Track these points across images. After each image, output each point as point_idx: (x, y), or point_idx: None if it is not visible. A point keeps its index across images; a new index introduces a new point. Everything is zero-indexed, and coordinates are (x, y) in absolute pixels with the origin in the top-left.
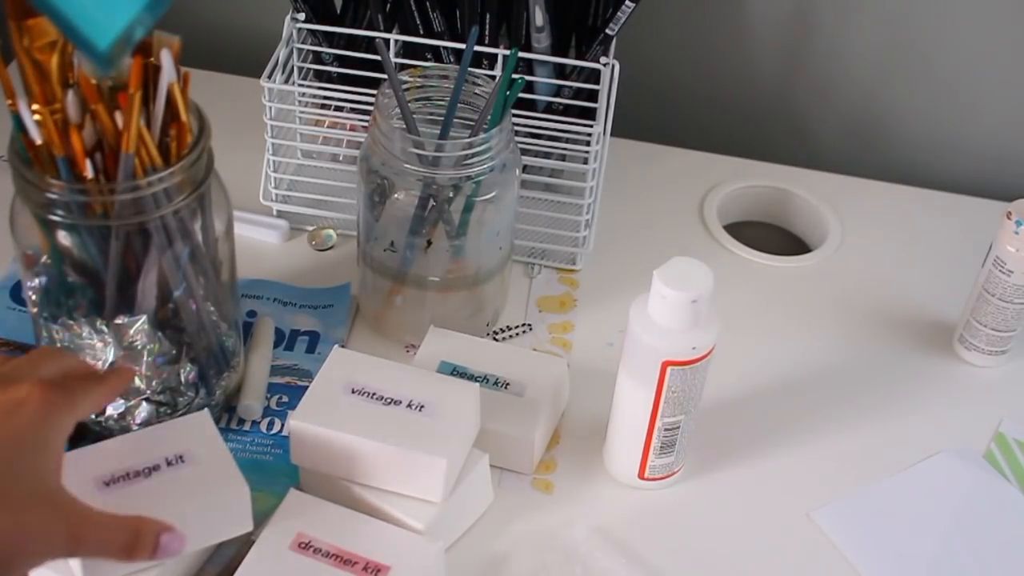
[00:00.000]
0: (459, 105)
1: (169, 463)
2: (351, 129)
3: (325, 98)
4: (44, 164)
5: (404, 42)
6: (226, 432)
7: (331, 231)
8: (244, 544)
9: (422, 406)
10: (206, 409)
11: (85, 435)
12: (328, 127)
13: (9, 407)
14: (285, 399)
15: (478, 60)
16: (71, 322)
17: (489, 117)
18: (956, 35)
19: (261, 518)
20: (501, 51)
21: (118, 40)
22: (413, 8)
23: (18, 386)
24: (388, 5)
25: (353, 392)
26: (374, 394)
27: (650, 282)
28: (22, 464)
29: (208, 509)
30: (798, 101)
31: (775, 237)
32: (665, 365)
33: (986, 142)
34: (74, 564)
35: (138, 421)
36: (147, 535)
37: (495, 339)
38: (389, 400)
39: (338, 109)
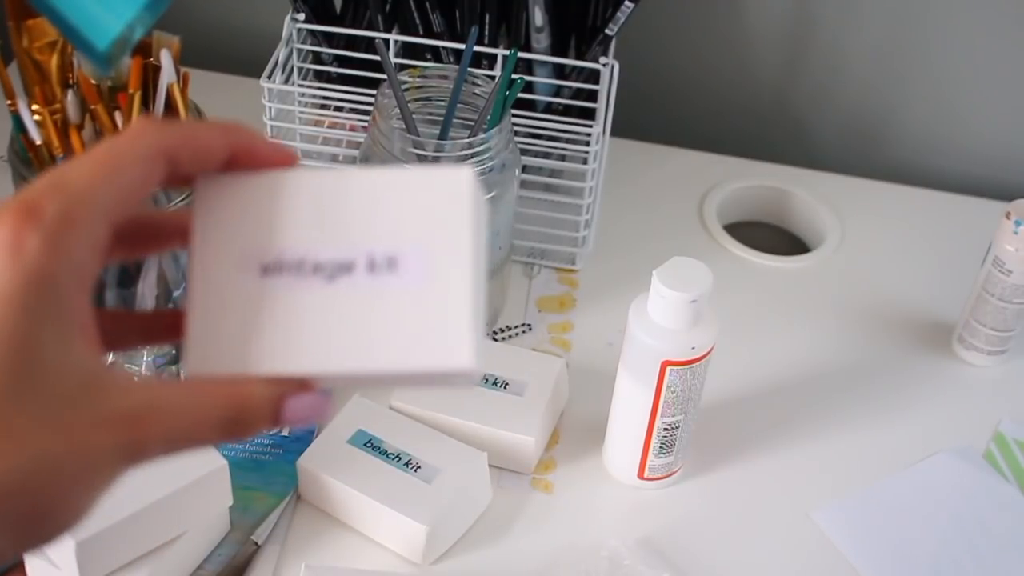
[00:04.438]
0: (459, 105)
1: (373, 265)
2: (351, 129)
3: (325, 98)
4: (44, 164)
5: (404, 42)
6: None
7: None
8: (244, 544)
9: (419, 467)
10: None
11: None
12: (328, 127)
13: None
14: None
15: (478, 60)
16: None
17: (489, 117)
18: (956, 35)
19: (260, 518)
20: (501, 51)
21: (117, 40)
22: (413, 8)
23: None
24: (388, 5)
25: (365, 445)
26: (380, 447)
27: (649, 282)
28: (15, 366)
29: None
30: (797, 101)
31: (774, 237)
32: (664, 365)
33: (985, 142)
34: (67, 558)
35: None
36: (259, 403)
37: (495, 339)
38: (395, 455)
39: (338, 109)
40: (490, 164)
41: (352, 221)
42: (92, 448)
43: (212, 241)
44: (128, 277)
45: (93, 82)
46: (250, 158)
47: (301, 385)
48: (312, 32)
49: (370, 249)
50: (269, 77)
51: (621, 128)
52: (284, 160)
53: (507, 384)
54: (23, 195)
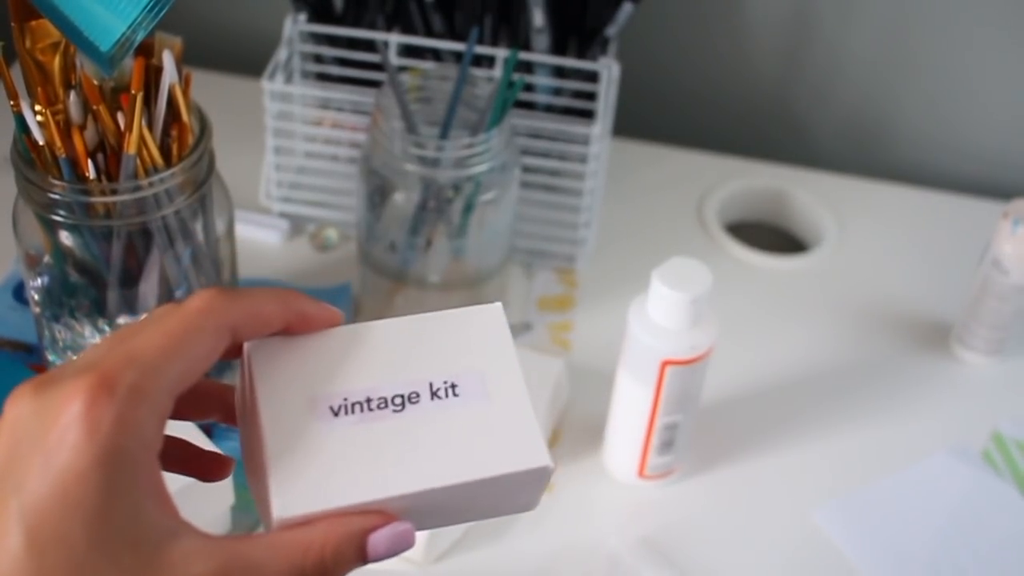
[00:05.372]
0: (459, 106)
1: (435, 393)
2: (352, 130)
3: (325, 99)
4: (46, 165)
5: (405, 44)
6: (226, 431)
7: (332, 231)
8: None
9: None
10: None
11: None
12: (329, 127)
13: (48, 448)
14: None
15: (478, 61)
16: (73, 322)
17: (489, 117)
18: (954, 35)
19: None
20: (501, 52)
21: (120, 42)
22: (414, 10)
23: (56, 390)
24: (388, 6)
25: None
26: None
27: (649, 282)
28: (92, 540)
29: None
30: (797, 101)
31: (774, 237)
32: (664, 364)
33: (983, 142)
34: None
35: None
36: (343, 544)
37: None
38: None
39: (339, 110)
40: (490, 164)
41: (406, 360)
42: None
43: (277, 395)
44: (130, 278)
45: (95, 83)
46: (303, 323)
47: (382, 518)
48: (313, 33)
49: (430, 379)
50: (270, 78)
51: (621, 128)
52: (333, 320)
53: None
54: (95, 362)
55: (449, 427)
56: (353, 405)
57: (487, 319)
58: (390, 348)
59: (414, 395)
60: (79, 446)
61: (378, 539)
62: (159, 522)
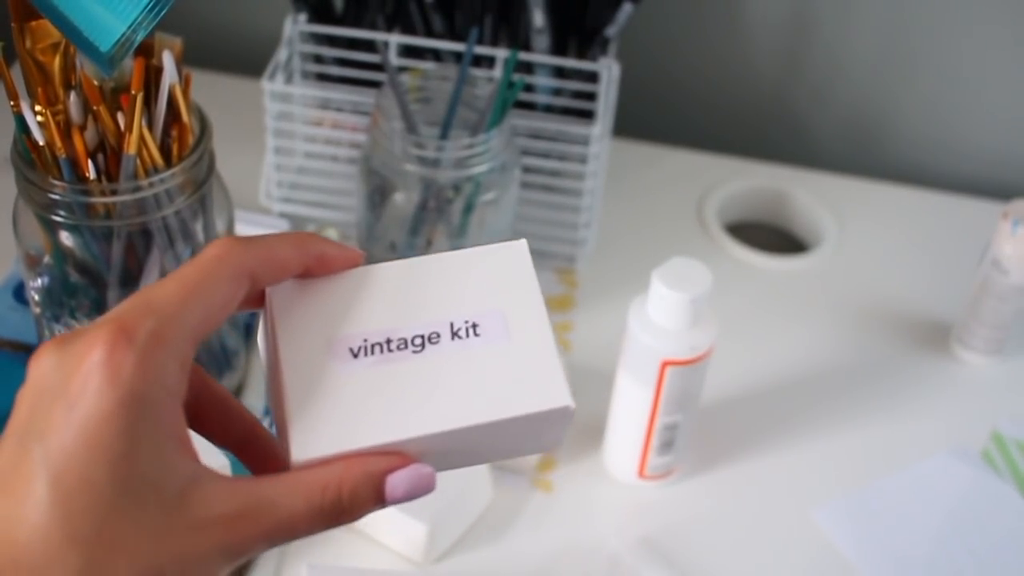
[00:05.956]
0: (459, 106)
1: (456, 333)
2: (352, 130)
3: (326, 99)
4: (47, 165)
5: (405, 44)
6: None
7: (332, 231)
8: None
9: None
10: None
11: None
12: (329, 127)
13: (70, 395)
14: None
15: (478, 61)
16: (74, 322)
17: (489, 118)
18: (954, 36)
19: None
20: (501, 52)
21: (120, 42)
22: (414, 10)
23: (77, 342)
24: (388, 6)
25: None
26: None
27: (649, 282)
28: (117, 483)
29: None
30: (796, 102)
31: (773, 237)
32: (664, 365)
33: (983, 143)
34: None
35: None
36: (360, 484)
37: None
38: None
39: (339, 110)
40: (490, 164)
41: (427, 300)
42: (193, 554)
43: (296, 338)
44: (130, 278)
45: (95, 83)
46: (322, 265)
47: (401, 459)
48: (313, 33)
49: (451, 319)
50: (270, 78)
51: (621, 128)
52: (354, 261)
53: None
54: (115, 315)
55: (469, 368)
56: (373, 346)
57: (511, 257)
58: (410, 288)
59: (434, 335)
60: (101, 391)
61: (397, 480)
62: (181, 465)
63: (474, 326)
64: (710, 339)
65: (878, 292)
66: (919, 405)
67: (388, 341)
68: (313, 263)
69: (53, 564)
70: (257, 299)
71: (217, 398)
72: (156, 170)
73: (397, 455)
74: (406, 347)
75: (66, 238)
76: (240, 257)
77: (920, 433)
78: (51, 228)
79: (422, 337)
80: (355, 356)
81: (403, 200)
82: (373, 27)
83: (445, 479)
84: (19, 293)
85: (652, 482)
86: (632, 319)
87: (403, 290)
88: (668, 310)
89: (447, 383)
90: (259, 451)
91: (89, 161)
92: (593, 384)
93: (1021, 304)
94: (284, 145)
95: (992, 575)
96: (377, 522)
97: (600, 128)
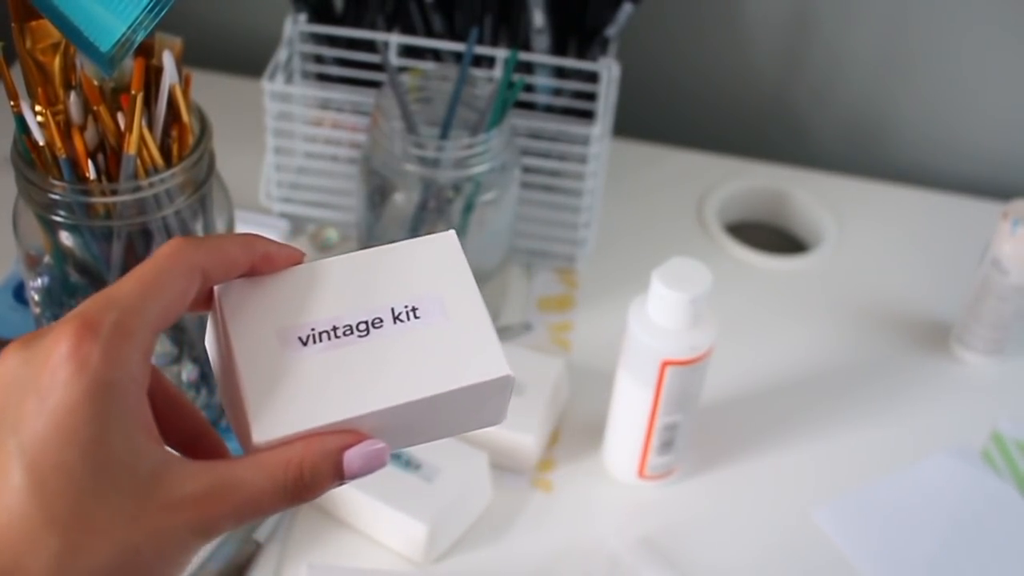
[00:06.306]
0: (459, 106)
1: (397, 317)
2: (352, 130)
3: (326, 99)
4: (47, 165)
5: (405, 44)
6: (226, 431)
7: (332, 231)
8: (246, 543)
9: (419, 466)
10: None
11: None
12: (329, 128)
13: (40, 388)
14: None
15: (478, 61)
16: None
17: (489, 118)
18: (954, 36)
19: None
20: (501, 52)
21: (120, 42)
22: (414, 10)
23: (43, 339)
24: (388, 6)
25: None
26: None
27: (649, 282)
28: (90, 466)
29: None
30: (796, 102)
31: (773, 237)
32: (664, 365)
33: (983, 143)
34: None
35: None
36: (319, 461)
37: None
38: (395, 454)
39: (339, 110)
40: (490, 164)
41: (368, 289)
42: (167, 532)
43: (247, 331)
44: None
45: (95, 83)
46: (267, 263)
47: (356, 436)
48: (313, 33)
49: (391, 305)
50: (270, 78)
51: (621, 128)
52: (295, 258)
53: None
54: (78, 312)
55: (413, 347)
56: (320, 334)
57: (442, 246)
58: (352, 280)
59: (377, 320)
60: (70, 382)
61: (352, 455)
62: (151, 449)
63: (414, 309)
64: (710, 339)
65: (878, 292)
66: (919, 405)
67: (335, 328)
68: (259, 261)
69: (33, 546)
70: (206, 300)
71: (170, 396)
72: (156, 170)
73: (352, 433)
74: (352, 333)
75: (66, 238)
76: (192, 254)
77: (920, 433)
78: (51, 228)
79: (366, 323)
80: (304, 344)
81: (403, 200)
82: (373, 27)
83: (445, 479)
84: (19, 293)
85: (652, 482)
86: (632, 319)
87: (345, 282)
88: (668, 310)
89: (393, 362)
90: (208, 449)
91: (89, 161)
92: (593, 384)
93: (1021, 304)
94: (284, 145)
95: (992, 575)
96: (377, 522)
97: (600, 128)
